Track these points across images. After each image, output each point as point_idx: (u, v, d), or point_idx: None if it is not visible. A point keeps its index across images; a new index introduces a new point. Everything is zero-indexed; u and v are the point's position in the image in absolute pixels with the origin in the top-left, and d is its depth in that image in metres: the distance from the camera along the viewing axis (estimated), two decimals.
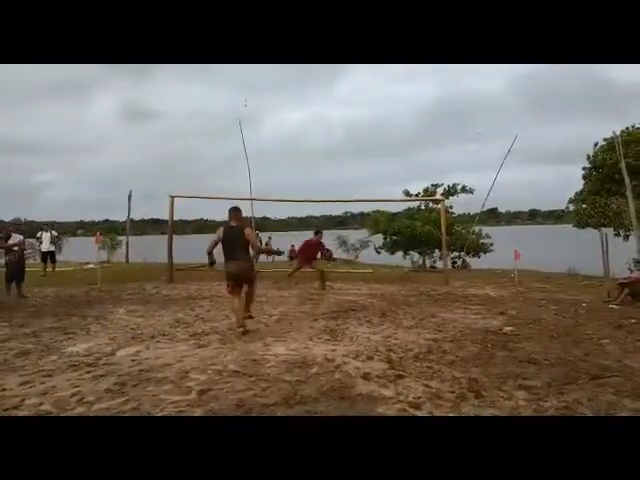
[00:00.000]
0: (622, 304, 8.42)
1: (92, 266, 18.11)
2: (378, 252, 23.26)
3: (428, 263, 21.85)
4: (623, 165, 10.51)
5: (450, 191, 21.95)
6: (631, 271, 10.00)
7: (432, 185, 22.85)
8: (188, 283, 11.99)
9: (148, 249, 22.94)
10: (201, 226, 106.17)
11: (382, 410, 3.55)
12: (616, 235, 14.61)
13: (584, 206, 14.73)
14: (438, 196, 21.96)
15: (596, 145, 14.57)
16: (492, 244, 21.70)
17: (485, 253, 21.53)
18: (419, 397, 3.82)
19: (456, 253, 21.16)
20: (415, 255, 22.03)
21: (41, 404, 3.73)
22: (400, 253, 22.37)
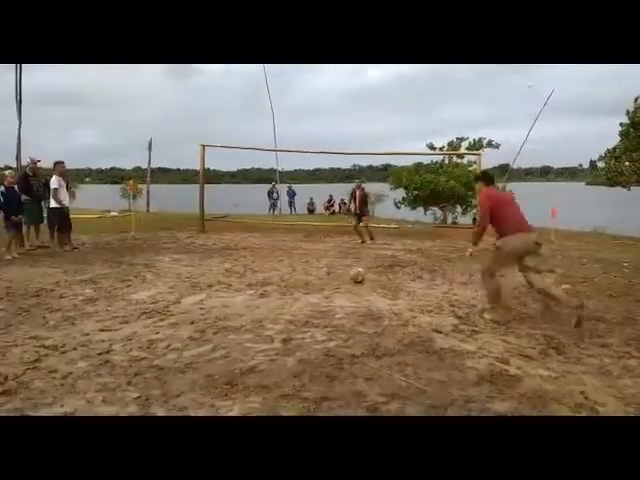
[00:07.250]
0: None
1: (115, 214, 18.44)
2: (398, 207, 23.03)
3: (450, 219, 21.66)
4: None
5: (475, 145, 21.43)
6: None
7: (457, 139, 22.30)
8: (220, 233, 12.00)
9: (164, 198, 22.86)
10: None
11: (471, 364, 3.59)
12: None
13: (615, 163, 14.25)
14: (462, 150, 21.59)
15: (637, 100, 13.92)
16: None
17: None
18: (502, 352, 3.86)
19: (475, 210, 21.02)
20: (437, 211, 21.79)
21: (130, 350, 3.81)
22: (420, 209, 22.16)
